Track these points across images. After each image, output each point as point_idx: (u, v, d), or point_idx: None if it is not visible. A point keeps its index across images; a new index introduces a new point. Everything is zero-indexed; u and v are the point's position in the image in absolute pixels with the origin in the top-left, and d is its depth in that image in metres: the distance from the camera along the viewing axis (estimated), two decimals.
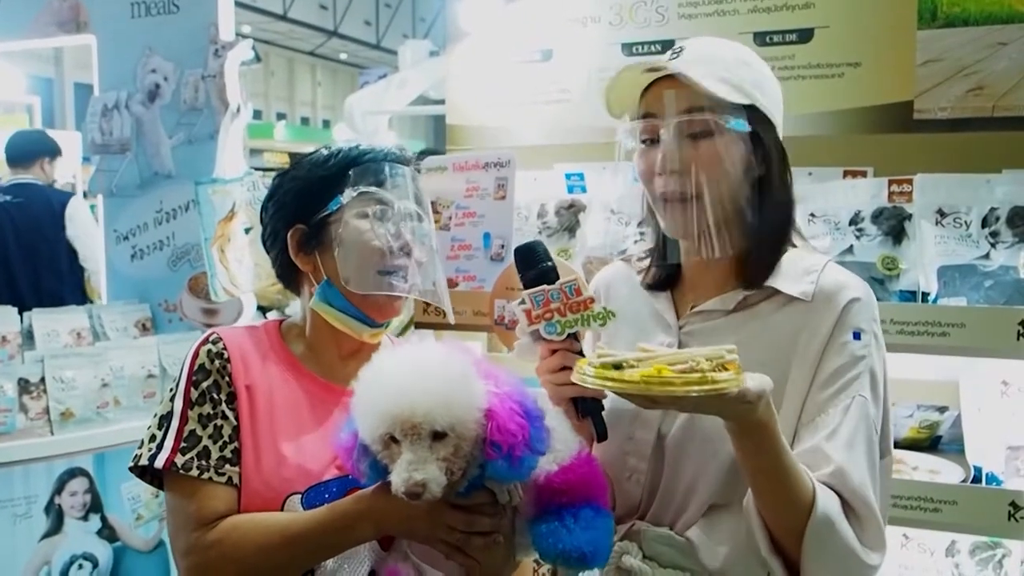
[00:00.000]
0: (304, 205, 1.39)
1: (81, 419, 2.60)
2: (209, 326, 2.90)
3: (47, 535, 2.65)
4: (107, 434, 2.63)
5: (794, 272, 1.30)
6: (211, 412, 1.31)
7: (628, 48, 2.31)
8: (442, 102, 2.65)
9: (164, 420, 1.33)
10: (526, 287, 1.31)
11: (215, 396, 1.32)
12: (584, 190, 2.21)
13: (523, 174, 2.13)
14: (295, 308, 1.53)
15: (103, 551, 2.73)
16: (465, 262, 2.09)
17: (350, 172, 1.37)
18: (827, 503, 1.15)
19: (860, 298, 1.27)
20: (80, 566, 2.67)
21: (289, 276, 1.46)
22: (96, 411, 2.63)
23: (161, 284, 3.04)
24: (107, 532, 2.74)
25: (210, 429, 1.31)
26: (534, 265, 1.32)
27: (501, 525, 1.23)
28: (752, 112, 1.28)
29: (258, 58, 3.05)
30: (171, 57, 3.01)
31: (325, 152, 1.42)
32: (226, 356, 1.34)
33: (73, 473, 2.68)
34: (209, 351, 1.34)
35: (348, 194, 1.36)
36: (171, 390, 1.35)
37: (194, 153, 2.96)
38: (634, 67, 1.30)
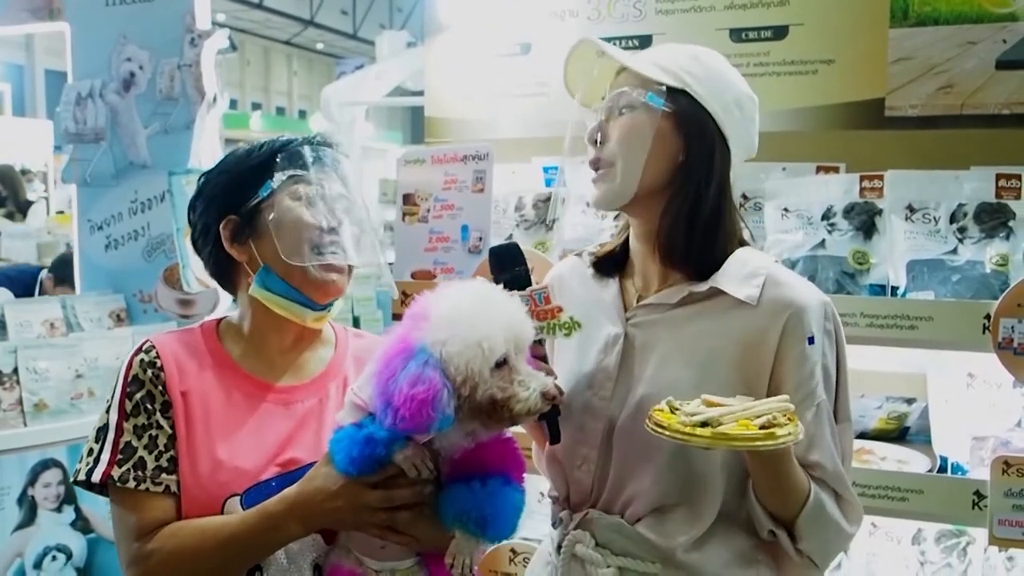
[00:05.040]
0: (234, 196, 1.40)
1: (55, 410, 2.58)
2: (185, 317, 2.89)
3: (20, 527, 2.63)
4: (81, 425, 2.60)
5: (740, 274, 1.33)
6: (146, 423, 1.31)
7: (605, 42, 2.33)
8: (420, 93, 2.66)
9: (100, 433, 1.33)
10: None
11: (149, 406, 1.32)
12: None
13: (501, 167, 2.14)
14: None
15: (77, 543, 2.71)
16: (443, 254, 2.10)
17: (277, 158, 1.38)
18: (819, 493, 1.30)
19: (807, 305, 1.31)
20: (54, 558, 2.65)
21: (224, 274, 1.45)
22: (70, 402, 2.61)
23: (136, 275, 3.01)
24: (81, 524, 2.72)
25: (145, 439, 1.31)
26: (509, 268, 1.34)
27: (422, 495, 1.25)
28: (684, 97, 1.32)
29: (233, 47, 3.02)
30: (146, 46, 2.98)
31: (247, 146, 1.44)
32: (159, 365, 1.34)
33: (47, 464, 2.66)
34: (142, 361, 1.34)
35: (278, 178, 1.37)
36: (107, 402, 1.35)
37: (170, 143, 2.94)
38: (588, 43, 1.41)
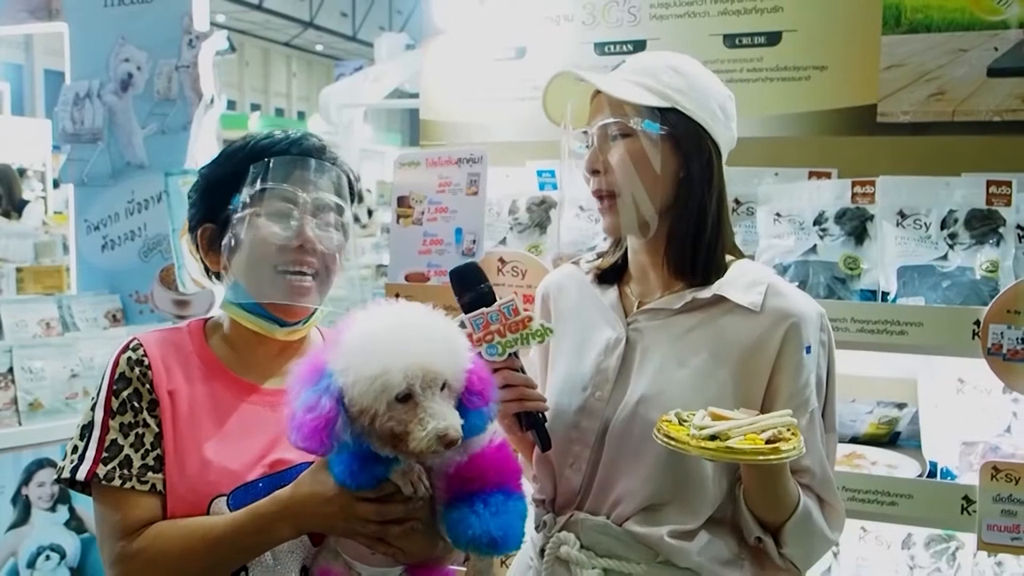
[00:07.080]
0: (210, 203, 1.36)
1: (50, 410, 2.58)
2: (181, 317, 2.89)
3: (14, 526, 2.63)
4: (76, 425, 2.61)
5: (742, 283, 1.36)
6: (132, 421, 1.29)
7: (600, 47, 2.34)
8: (418, 95, 2.66)
9: (86, 431, 1.31)
10: (464, 310, 1.34)
11: (136, 404, 1.30)
12: (555, 187, 2.24)
13: (495, 170, 2.15)
14: None
15: (71, 542, 2.71)
16: (436, 256, 2.11)
17: (252, 167, 1.32)
18: (807, 502, 1.33)
19: (806, 316, 1.34)
20: (47, 557, 2.66)
21: (212, 273, 1.42)
22: (65, 402, 2.62)
23: (132, 275, 3.02)
24: (75, 523, 2.73)
25: (131, 438, 1.29)
26: (471, 288, 1.35)
27: (416, 511, 1.25)
28: (674, 115, 1.33)
29: (232, 48, 3.04)
30: (144, 46, 2.99)
31: (238, 143, 1.37)
32: (146, 363, 1.31)
33: (41, 464, 2.66)
34: (129, 359, 1.32)
35: (245, 192, 1.31)
36: (92, 400, 1.33)
37: (167, 144, 2.95)
38: (566, 74, 1.39)
